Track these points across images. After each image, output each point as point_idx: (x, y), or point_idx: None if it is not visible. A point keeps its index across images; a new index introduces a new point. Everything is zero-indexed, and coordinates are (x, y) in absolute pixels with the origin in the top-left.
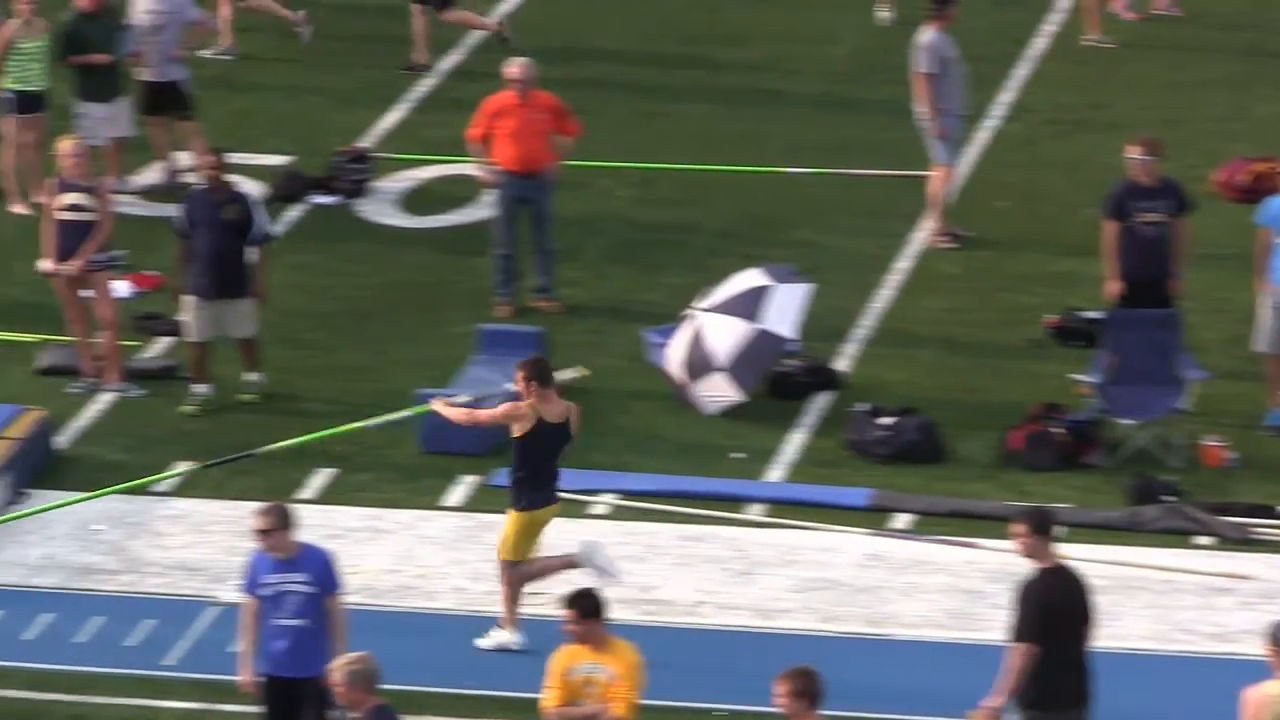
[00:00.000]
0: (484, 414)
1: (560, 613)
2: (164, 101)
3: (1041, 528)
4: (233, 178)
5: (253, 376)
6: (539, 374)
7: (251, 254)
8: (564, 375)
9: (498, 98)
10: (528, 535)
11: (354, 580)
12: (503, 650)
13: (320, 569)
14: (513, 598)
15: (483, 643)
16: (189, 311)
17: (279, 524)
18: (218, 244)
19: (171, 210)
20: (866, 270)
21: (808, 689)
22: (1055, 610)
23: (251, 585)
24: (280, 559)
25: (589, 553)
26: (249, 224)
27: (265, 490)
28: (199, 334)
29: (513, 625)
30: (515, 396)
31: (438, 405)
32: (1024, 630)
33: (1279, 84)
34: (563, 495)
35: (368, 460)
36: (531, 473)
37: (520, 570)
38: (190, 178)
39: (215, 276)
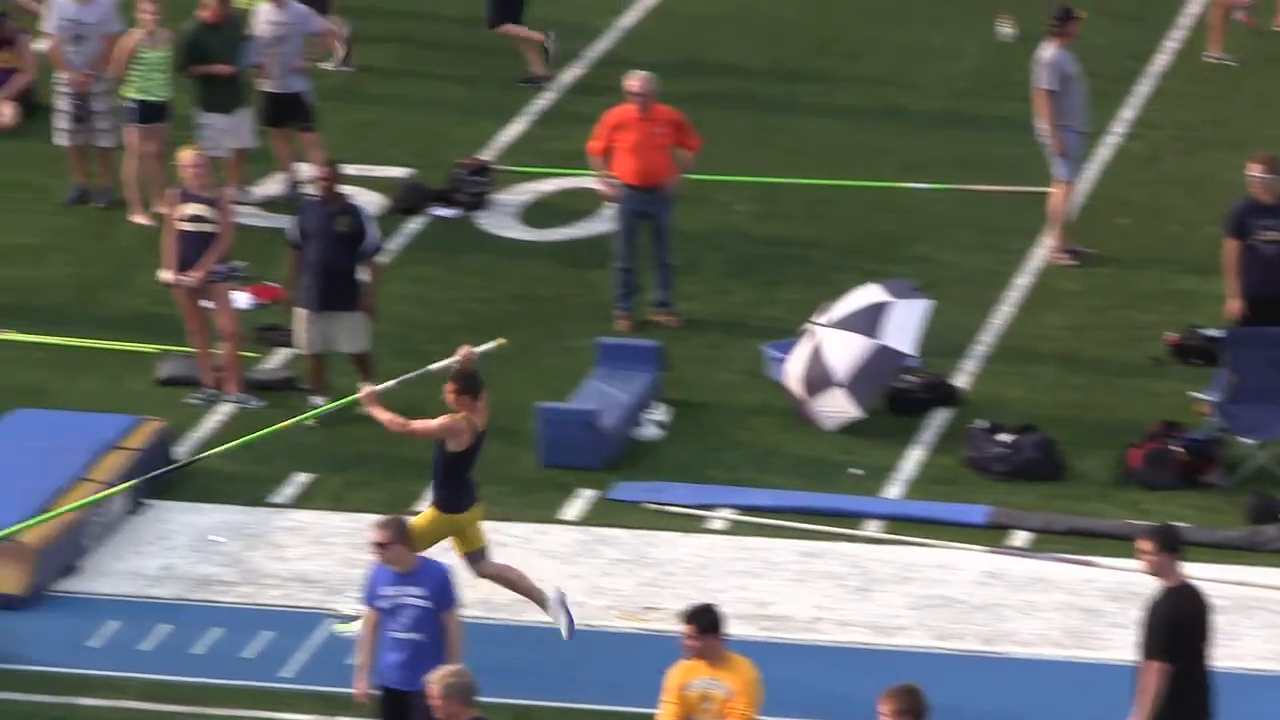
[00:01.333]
0: (418, 425)
1: (678, 627)
2: (286, 113)
3: (1169, 545)
4: (346, 189)
5: None
6: (470, 387)
7: (363, 267)
8: (485, 348)
9: (618, 111)
10: (441, 536)
11: (470, 593)
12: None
13: (437, 584)
14: (515, 586)
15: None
16: (300, 324)
17: (396, 537)
18: (328, 256)
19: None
20: (986, 286)
21: (911, 707)
22: (1183, 629)
23: (370, 597)
24: (398, 572)
25: (556, 605)
26: (360, 236)
27: (385, 503)
28: (309, 346)
29: (542, 604)
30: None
31: (370, 405)
32: (1156, 649)
33: None
34: (677, 510)
35: (486, 473)
36: (463, 482)
37: (489, 569)
38: (307, 189)
39: (324, 288)
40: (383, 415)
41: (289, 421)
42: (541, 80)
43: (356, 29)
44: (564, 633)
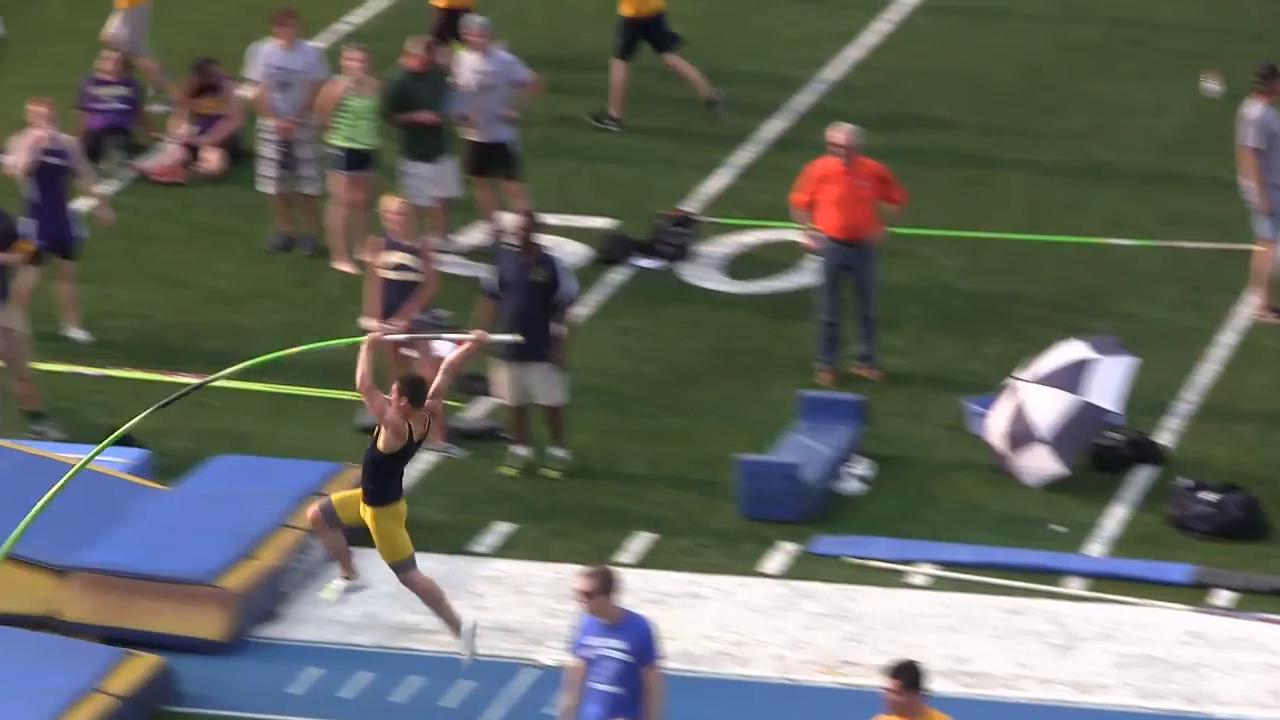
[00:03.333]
0: (378, 398)
1: (879, 682)
2: (491, 162)
3: None
4: (546, 239)
5: (559, 452)
6: (415, 394)
7: (557, 319)
8: (501, 338)
9: (822, 163)
10: (398, 527)
11: (671, 645)
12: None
13: (640, 638)
14: (436, 603)
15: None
16: (499, 374)
17: (602, 588)
18: (523, 306)
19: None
20: (1190, 343)
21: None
22: None
23: (577, 646)
24: (604, 623)
25: (469, 636)
26: (555, 287)
27: (586, 553)
28: (509, 397)
29: (455, 630)
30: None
31: (368, 348)
32: None
33: None
34: (878, 564)
35: (687, 525)
36: (392, 480)
37: (419, 580)
38: (506, 238)
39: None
40: (364, 365)
41: (292, 350)
42: (612, 121)
43: (560, 81)
44: (465, 660)
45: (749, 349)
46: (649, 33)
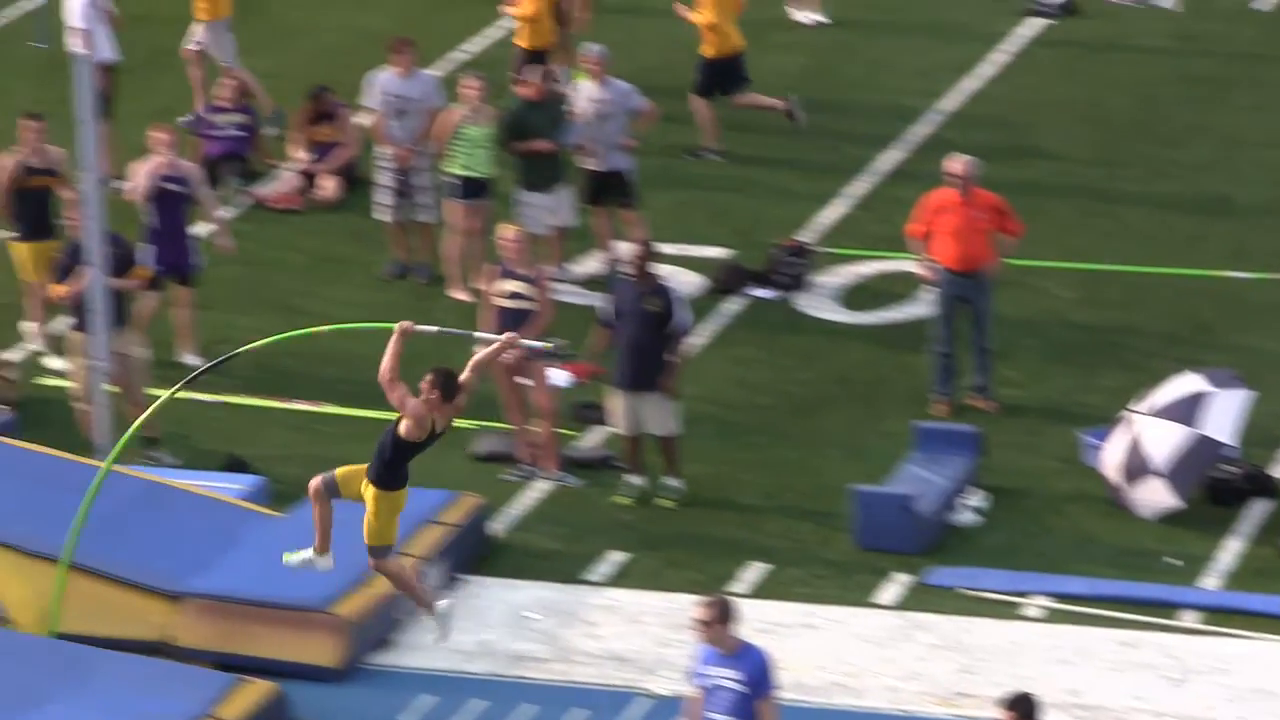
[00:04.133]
0: (400, 388)
1: (993, 714)
2: (607, 191)
3: None
4: (662, 269)
5: (672, 482)
6: (447, 389)
7: (671, 349)
8: (532, 344)
9: (939, 194)
10: (393, 515)
11: (784, 676)
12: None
13: (755, 670)
14: (407, 587)
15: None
16: (614, 403)
17: (719, 617)
18: (637, 335)
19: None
20: None
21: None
22: None
23: (694, 675)
24: (721, 653)
25: (444, 613)
26: (669, 317)
27: (701, 583)
28: (623, 426)
29: (429, 611)
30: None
31: (399, 337)
32: None
33: None
34: (993, 596)
35: (802, 555)
36: (400, 467)
37: (390, 566)
38: (622, 267)
39: (632, 368)
40: (390, 358)
41: (312, 330)
42: (711, 153)
43: (677, 110)
44: (437, 640)
45: (864, 380)
46: (727, 73)
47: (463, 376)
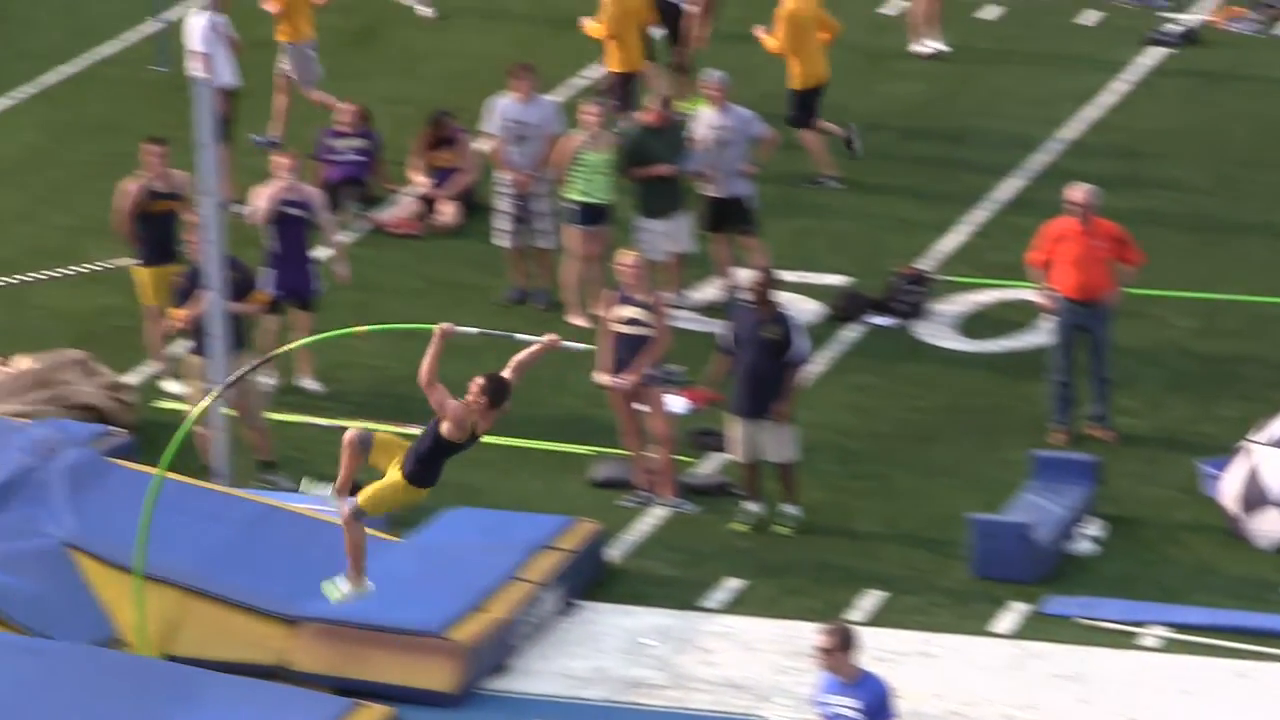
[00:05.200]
0: (440, 389)
1: None
2: (728, 217)
3: None
4: (781, 297)
5: (789, 509)
6: (496, 396)
7: (789, 377)
8: (571, 346)
9: (1059, 223)
10: (395, 502)
11: (901, 704)
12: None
13: (874, 700)
14: (355, 553)
15: (333, 595)
16: (732, 430)
17: (841, 645)
18: (756, 362)
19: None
20: None
21: None
22: None
23: (815, 703)
24: (841, 681)
25: (358, 593)
26: (788, 345)
27: (817, 610)
28: (741, 454)
29: (359, 578)
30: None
31: (440, 336)
32: None
33: None
34: (1110, 625)
35: (918, 583)
36: (435, 466)
37: (356, 530)
38: (741, 294)
39: (750, 395)
40: (431, 359)
41: (353, 329)
42: (830, 180)
43: (795, 137)
44: (335, 598)
45: (982, 408)
46: (811, 103)
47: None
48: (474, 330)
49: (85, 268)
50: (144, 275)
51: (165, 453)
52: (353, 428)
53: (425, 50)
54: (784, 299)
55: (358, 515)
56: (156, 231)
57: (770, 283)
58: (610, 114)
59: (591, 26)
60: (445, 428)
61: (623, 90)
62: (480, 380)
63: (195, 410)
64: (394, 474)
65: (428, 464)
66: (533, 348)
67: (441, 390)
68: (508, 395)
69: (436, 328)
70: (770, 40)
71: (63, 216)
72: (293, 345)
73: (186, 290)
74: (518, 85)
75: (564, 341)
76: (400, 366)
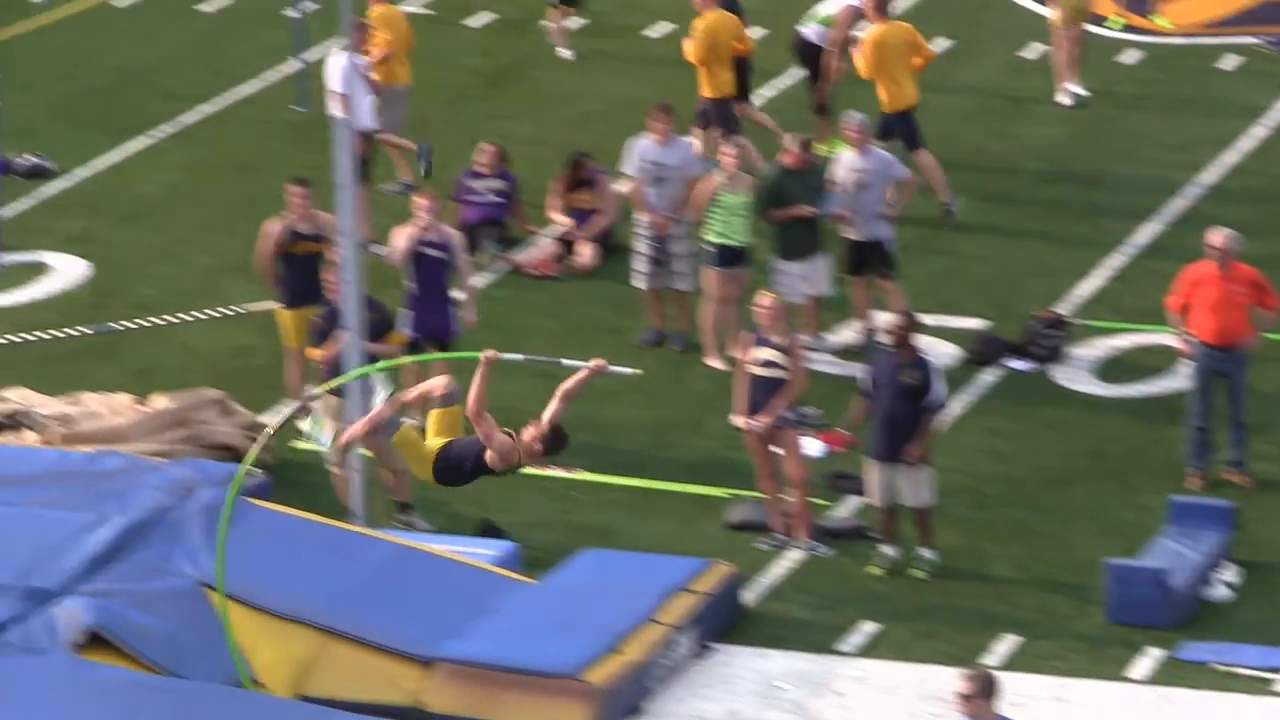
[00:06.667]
0: (488, 421)
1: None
2: (867, 260)
3: None
4: (921, 340)
5: (925, 553)
6: (552, 444)
7: (926, 422)
8: (619, 370)
9: (1198, 268)
10: (409, 460)
11: None
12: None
13: None
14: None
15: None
16: (870, 473)
17: (982, 691)
18: (894, 406)
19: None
20: None
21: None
22: None
23: None
24: None
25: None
26: (926, 390)
27: (953, 655)
28: (877, 498)
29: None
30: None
31: (485, 365)
32: None
33: None
34: (1246, 672)
35: (1054, 628)
36: (466, 480)
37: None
38: (881, 338)
39: (888, 439)
40: (478, 388)
41: (394, 362)
42: (950, 207)
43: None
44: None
45: (1119, 453)
46: (910, 124)
47: (552, 408)
48: (520, 357)
49: (227, 310)
50: (286, 317)
51: (233, 482)
52: (392, 407)
53: (564, 92)
54: (923, 343)
55: (389, 430)
56: (299, 273)
57: (911, 326)
58: (743, 152)
59: (688, 50)
60: (490, 456)
61: (719, 116)
62: (543, 430)
63: (253, 449)
64: (422, 472)
65: (458, 476)
66: (579, 374)
67: (490, 422)
68: (565, 446)
69: (481, 355)
70: (858, 64)
71: (202, 256)
72: (324, 387)
73: (325, 330)
74: (656, 127)
75: (612, 366)
76: (534, 407)
